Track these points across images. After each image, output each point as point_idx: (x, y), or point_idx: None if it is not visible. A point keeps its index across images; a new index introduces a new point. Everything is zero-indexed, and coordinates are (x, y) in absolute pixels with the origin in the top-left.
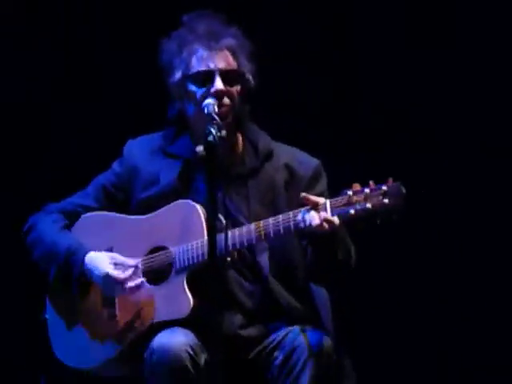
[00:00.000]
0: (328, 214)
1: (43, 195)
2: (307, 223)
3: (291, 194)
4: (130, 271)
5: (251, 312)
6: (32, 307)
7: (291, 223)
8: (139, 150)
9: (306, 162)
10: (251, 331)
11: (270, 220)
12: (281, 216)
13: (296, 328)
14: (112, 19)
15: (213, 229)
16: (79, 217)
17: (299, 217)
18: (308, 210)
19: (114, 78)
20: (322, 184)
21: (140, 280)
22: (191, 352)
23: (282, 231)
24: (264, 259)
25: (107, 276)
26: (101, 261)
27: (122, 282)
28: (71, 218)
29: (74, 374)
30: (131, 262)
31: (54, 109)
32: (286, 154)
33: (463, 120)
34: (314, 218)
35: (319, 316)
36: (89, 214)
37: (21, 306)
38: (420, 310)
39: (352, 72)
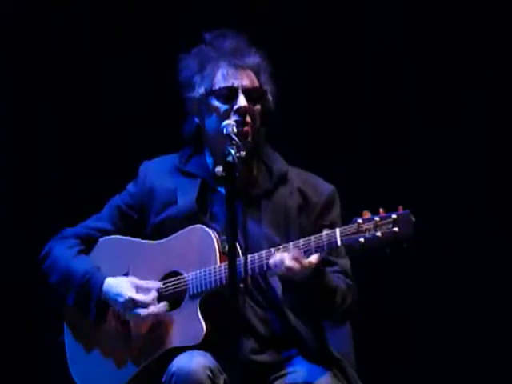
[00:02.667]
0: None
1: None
2: (273, 265)
3: (303, 219)
4: (153, 294)
5: (264, 338)
6: (49, 329)
7: (264, 262)
8: (155, 171)
9: (320, 188)
10: (264, 357)
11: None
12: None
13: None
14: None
15: (233, 252)
16: (95, 240)
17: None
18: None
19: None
20: (335, 212)
21: (164, 304)
22: (210, 374)
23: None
24: (277, 284)
25: (131, 300)
26: (121, 286)
27: (147, 305)
28: (87, 242)
29: None
30: (151, 284)
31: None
32: (301, 179)
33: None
34: (283, 259)
35: (327, 346)
36: (105, 238)
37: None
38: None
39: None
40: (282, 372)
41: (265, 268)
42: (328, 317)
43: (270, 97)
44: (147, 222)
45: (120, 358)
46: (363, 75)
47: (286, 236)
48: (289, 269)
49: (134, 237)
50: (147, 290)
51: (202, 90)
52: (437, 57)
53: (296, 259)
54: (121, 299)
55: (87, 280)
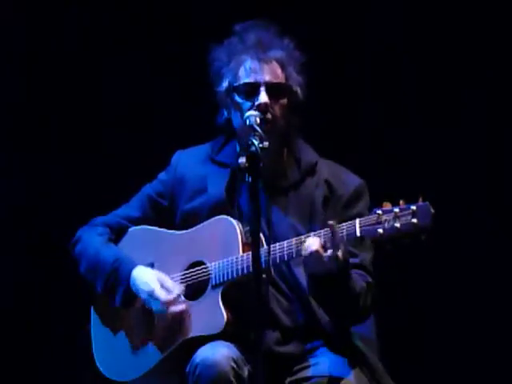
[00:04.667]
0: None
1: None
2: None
3: (329, 210)
4: (173, 295)
5: (288, 329)
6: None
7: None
8: (187, 160)
9: (348, 181)
10: (288, 348)
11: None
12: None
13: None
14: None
15: (256, 242)
16: (125, 229)
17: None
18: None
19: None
20: (362, 205)
21: (183, 306)
22: (234, 365)
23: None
24: (302, 275)
25: (153, 294)
26: (148, 277)
27: (165, 303)
28: (117, 230)
29: None
30: (176, 287)
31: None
32: (329, 171)
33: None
34: (305, 247)
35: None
36: (134, 228)
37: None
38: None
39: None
40: (306, 364)
41: (286, 258)
42: (349, 317)
43: (297, 89)
44: (177, 210)
45: (143, 346)
46: (363, 75)
47: (310, 227)
48: (310, 257)
49: (164, 225)
50: (169, 290)
51: (226, 84)
52: (437, 57)
53: (317, 248)
54: (145, 290)
55: (116, 267)
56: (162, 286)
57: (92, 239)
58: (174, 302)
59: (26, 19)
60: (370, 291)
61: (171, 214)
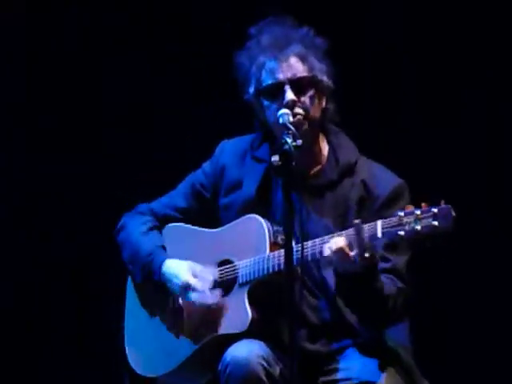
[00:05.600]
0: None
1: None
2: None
3: (364, 211)
4: (208, 282)
5: (316, 327)
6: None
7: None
8: (230, 151)
9: (386, 181)
10: (316, 347)
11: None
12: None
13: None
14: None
15: (288, 241)
16: (169, 218)
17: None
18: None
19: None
20: (399, 206)
21: (217, 294)
22: (265, 364)
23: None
24: (330, 274)
25: (186, 284)
26: (179, 268)
27: (200, 292)
28: (160, 218)
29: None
30: (208, 272)
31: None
32: (367, 171)
33: None
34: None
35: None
36: (169, 225)
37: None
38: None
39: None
40: (336, 365)
41: (312, 257)
42: (375, 319)
43: (323, 77)
44: (217, 201)
45: (174, 341)
46: (363, 75)
47: (343, 227)
48: (335, 255)
49: (206, 215)
50: (203, 278)
51: (252, 90)
52: (437, 57)
53: (341, 247)
54: (177, 281)
55: (151, 259)
56: (195, 275)
57: (134, 228)
58: (208, 290)
59: (26, 19)
60: (400, 296)
61: (213, 204)
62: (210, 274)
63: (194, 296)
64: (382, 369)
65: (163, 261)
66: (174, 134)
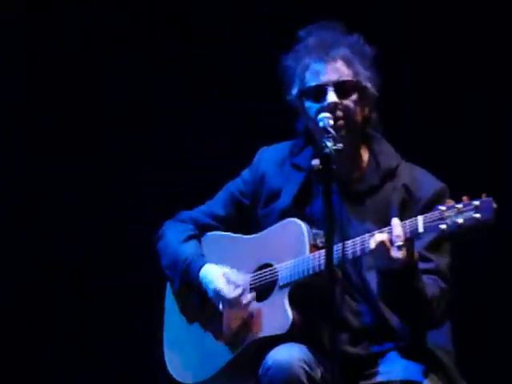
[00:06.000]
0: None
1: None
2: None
3: (406, 214)
4: (239, 291)
5: (356, 330)
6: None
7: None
8: (269, 159)
9: (428, 185)
10: (357, 350)
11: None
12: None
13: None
14: None
15: (329, 245)
16: (208, 226)
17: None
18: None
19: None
20: None
21: (249, 300)
22: (306, 367)
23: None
24: (371, 277)
25: (218, 291)
26: (214, 274)
27: (231, 300)
28: (200, 227)
29: None
30: (241, 279)
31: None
32: (409, 175)
33: None
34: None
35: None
36: (208, 234)
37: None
38: None
39: None
40: (378, 369)
41: (354, 255)
42: (418, 320)
43: (367, 84)
44: (256, 210)
45: (213, 346)
46: None
47: None
48: (377, 250)
49: (245, 224)
50: (236, 285)
51: (295, 91)
52: (437, 57)
53: (383, 240)
54: (211, 287)
55: (187, 266)
56: (229, 281)
57: (174, 236)
58: (239, 298)
59: (26, 19)
60: (444, 297)
61: (252, 213)
62: (244, 280)
63: (225, 302)
64: (424, 373)
65: (201, 267)
66: (173, 133)
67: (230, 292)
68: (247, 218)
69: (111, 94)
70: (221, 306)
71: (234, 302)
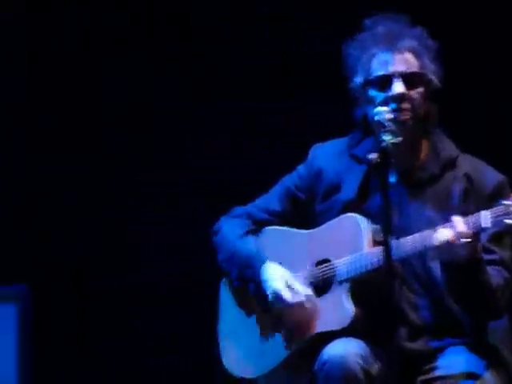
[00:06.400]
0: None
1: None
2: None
3: (468, 204)
4: (299, 297)
5: (416, 325)
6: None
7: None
8: (324, 154)
9: (490, 176)
10: (416, 345)
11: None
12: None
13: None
14: None
15: (387, 237)
16: (264, 221)
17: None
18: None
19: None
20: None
21: (308, 307)
22: (363, 362)
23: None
24: (433, 270)
25: (277, 294)
26: (275, 275)
27: (289, 304)
28: (256, 222)
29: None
30: (301, 289)
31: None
32: (469, 165)
33: None
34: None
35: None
36: (267, 228)
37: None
38: None
39: None
40: (437, 363)
41: (411, 253)
42: (484, 312)
43: (432, 77)
44: (313, 204)
45: (270, 340)
46: None
47: (446, 221)
48: (442, 246)
49: (300, 219)
50: (296, 292)
51: (360, 80)
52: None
53: (448, 238)
54: (270, 287)
55: (247, 261)
56: (289, 286)
57: (231, 231)
58: (300, 304)
59: (26, 19)
60: (508, 286)
61: (308, 208)
62: (303, 291)
63: (283, 305)
64: (485, 367)
65: (262, 264)
66: (173, 133)
67: (288, 297)
68: (302, 213)
69: (111, 94)
70: (277, 306)
71: (292, 307)
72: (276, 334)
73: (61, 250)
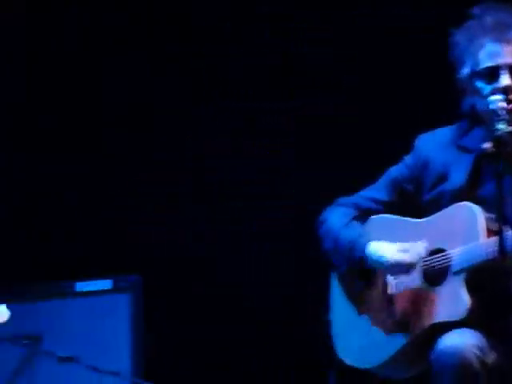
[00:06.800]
0: None
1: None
2: None
3: None
4: (418, 256)
5: None
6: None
7: None
8: (431, 143)
9: None
10: None
11: None
12: None
13: None
14: None
15: (500, 227)
16: (371, 211)
17: None
18: None
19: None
20: None
21: (421, 251)
22: (479, 353)
23: None
24: None
25: (395, 264)
26: (384, 249)
27: (409, 265)
28: (362, 211)
29: (361, 372)
30: (420, 248)
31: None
32: None
33: None
34: None
35: None
36: (375, 216)
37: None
38: None
39: None
40: None
41: None
42: None
43: None
44: (421, 195)
45: (386, 330)
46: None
47: None
48: None
49: (407, 211)
50: (414, 251)
51: (467, 70)
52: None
53: None
54: (384, 262)
55: (351, 247)
56: (405, 250)
57: (336, 220)
58: (411, 264)
59: (26, 19)
60: None
61: (415, 199)
62: (421, 247)
63: (402, 268)
64: None
65: (366, 244)
66: (174, 133)
67: (406, 258)
68: (409, 203)
69: (111, 94)
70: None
71: (409, 267)
72: (389, 324)
73: (61, 250)
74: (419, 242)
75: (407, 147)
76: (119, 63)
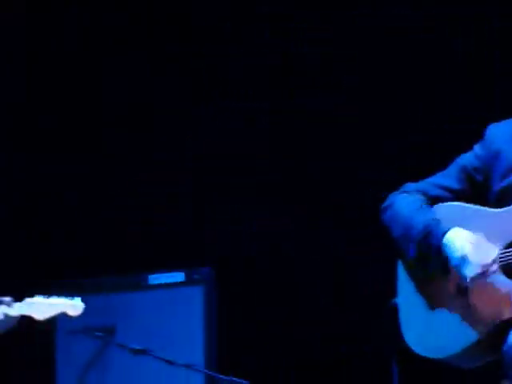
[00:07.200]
0: None
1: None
2: None
3: None
4: (486, 259)
5: None
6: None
7: None
8: (502, 133)
9: None
10: None
11: None
12: None
13: None
14: None
15: None
16: (440, 198)
17: None
18: None
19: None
20: None
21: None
22: None
23: None
24: None
25: (466, 257)
26: (461, 240)
27: (479, 266)
28: (430, 198)
29: (426, 362)
30: (492, 249)
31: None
32: None
33: None
34: None
35: None
36: (445, 204)
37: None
38: None
39: None
40: None
41: None
42: None
43: None
44: (491, 186)
45: (460, 321)
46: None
47: None
48: None
49: (476, 201)
50: (485, 252)
51: None
52: (437, 57)
53: None
54: (456, 254)
55: (428, 232)
56: (478, 248)
57: (404, 205)
58: (488, 266)
59: (26, 19)
60: None
61: (485, 189)
62: (494, 250)
63: (468, 270)
64: None
65: (445, 231)
66: (173, 134)
67: (475, 259)
68: (477, 193)
69: (111, 94)
70: (466, 275)
71: (481, 272)
72: (462, 315)
73: (61, 250)
74: (495, 247)
75: (407, 147)
76: (119, 63)
